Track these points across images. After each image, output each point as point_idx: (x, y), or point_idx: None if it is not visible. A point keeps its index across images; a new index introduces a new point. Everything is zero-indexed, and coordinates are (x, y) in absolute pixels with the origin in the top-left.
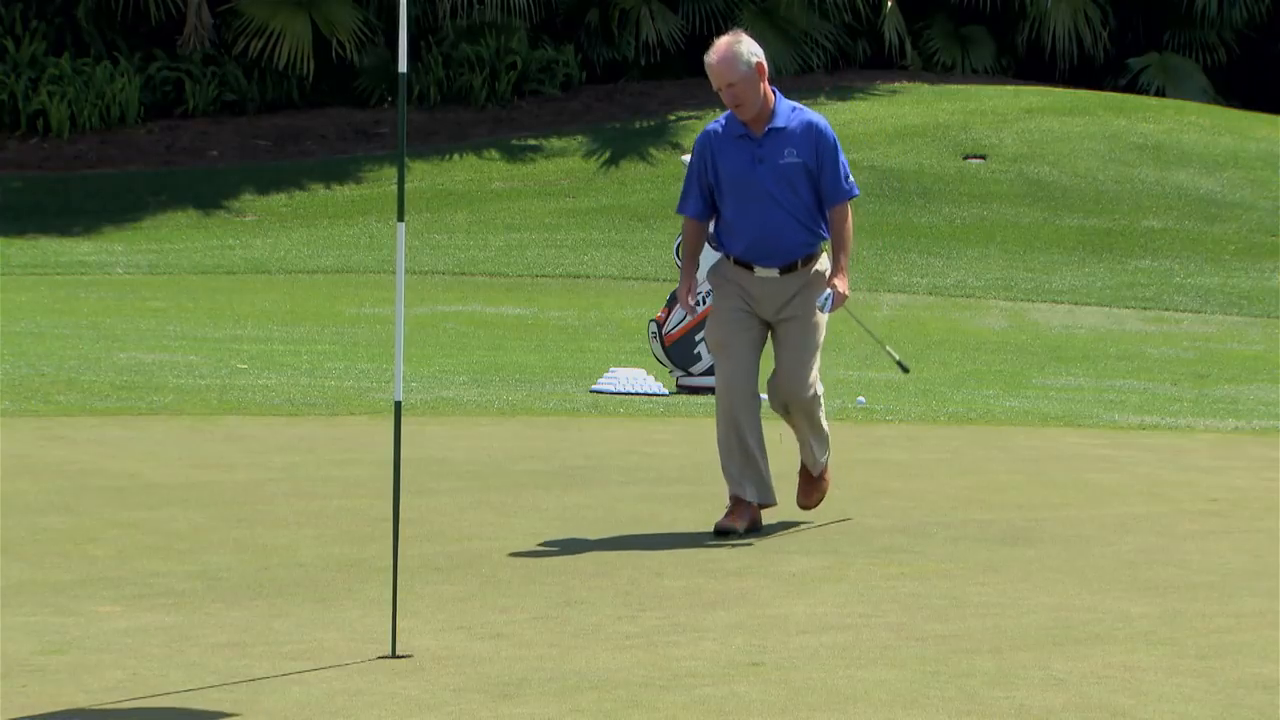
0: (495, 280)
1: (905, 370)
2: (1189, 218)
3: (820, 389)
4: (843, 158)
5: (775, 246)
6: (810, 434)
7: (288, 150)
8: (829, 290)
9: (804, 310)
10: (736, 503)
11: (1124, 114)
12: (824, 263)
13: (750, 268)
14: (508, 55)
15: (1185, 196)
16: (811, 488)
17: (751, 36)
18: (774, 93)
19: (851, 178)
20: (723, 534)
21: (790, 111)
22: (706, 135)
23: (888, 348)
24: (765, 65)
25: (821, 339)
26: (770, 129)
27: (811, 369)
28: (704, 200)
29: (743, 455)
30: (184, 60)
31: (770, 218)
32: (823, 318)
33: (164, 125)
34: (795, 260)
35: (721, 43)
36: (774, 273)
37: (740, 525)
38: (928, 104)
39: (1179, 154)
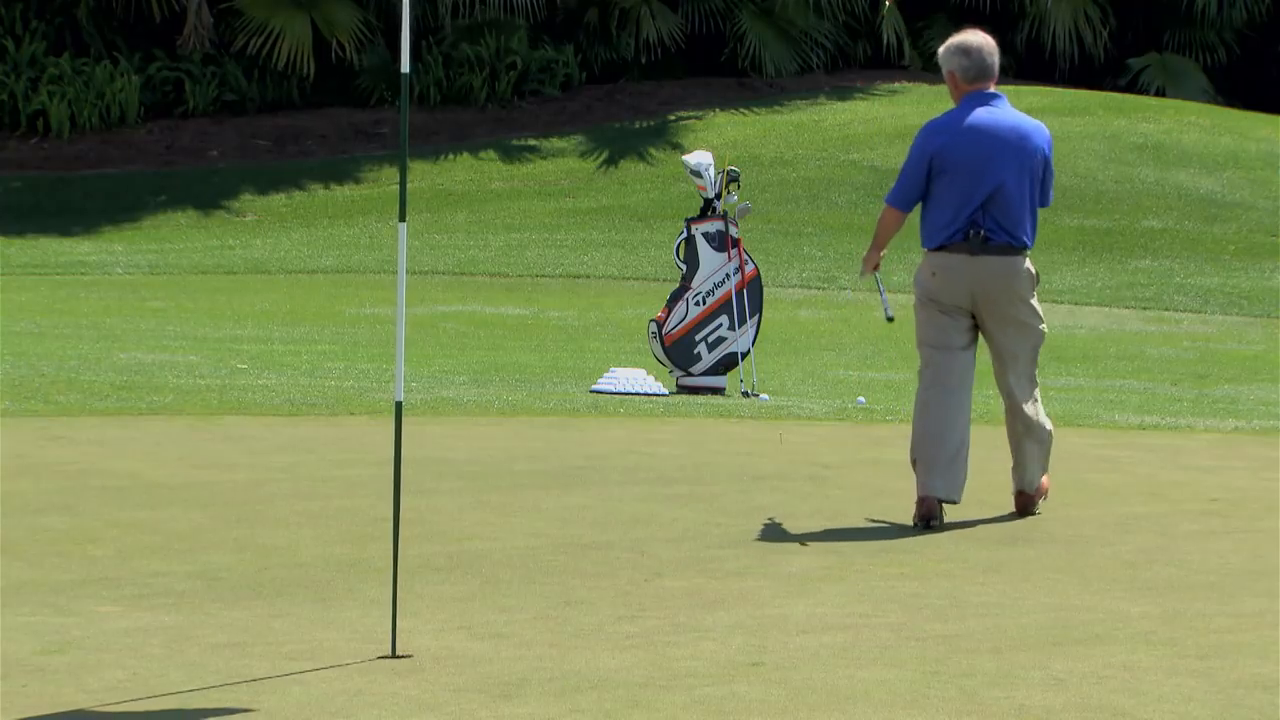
0: (495, 280)
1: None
2: (1189, 218)
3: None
4: (906, 161)
5: None
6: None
7: (288, 150)
8: None
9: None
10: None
11: (1124, 114)
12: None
13: None
14: (508, 55)
15: (1185, 196)
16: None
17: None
18: (967, 94)
19: (898, 185)
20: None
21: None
22: None
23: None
24: (955, 75)
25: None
26: None
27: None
28: None
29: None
30: (184, 60)
31: None
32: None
33: (164, 125)
34: None
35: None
36: None
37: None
38: (928, 104)
39: (1179, 154)
